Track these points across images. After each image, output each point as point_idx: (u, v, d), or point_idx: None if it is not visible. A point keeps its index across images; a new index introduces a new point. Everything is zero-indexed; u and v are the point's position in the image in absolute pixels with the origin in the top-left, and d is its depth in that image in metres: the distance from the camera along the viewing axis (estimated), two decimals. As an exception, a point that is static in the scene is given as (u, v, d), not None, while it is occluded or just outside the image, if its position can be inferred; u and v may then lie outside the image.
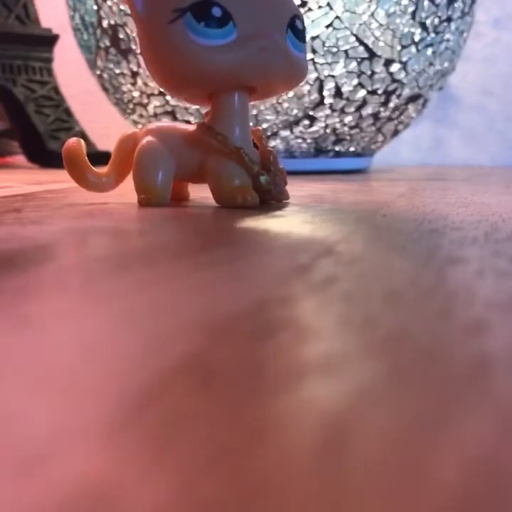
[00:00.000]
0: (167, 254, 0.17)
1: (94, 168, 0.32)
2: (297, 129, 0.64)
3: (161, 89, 0.62)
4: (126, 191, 0.33)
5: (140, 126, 0.68)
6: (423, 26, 0.61)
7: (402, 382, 0.08)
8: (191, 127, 0.30)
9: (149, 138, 0.30)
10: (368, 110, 0.64)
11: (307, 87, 0.60)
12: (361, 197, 0.37)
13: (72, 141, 0.31)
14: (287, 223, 0.24)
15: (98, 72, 0.68)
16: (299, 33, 0.29)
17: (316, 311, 0.11)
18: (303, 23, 0.30)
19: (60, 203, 0.32)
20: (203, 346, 0.09)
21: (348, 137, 0.66)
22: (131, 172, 0.31)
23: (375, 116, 0.65)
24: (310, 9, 0.58)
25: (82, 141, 0.31)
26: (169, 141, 0.30)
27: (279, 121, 0.63)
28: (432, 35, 0.62)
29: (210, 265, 0.16)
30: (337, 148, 0.67)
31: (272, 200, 0.30)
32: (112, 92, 0.68)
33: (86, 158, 0.31)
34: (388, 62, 0.61)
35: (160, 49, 0.28)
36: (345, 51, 0.60)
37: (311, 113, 0.62)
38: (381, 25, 0.60)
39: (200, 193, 0.35)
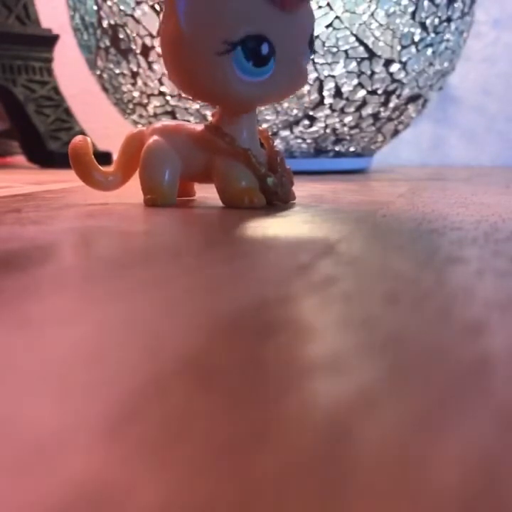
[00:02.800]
0: (167, 254, 0.17)
1: (100, 166, 0.32)
2: (297, 129, 0.64)
3: (161, 90, 0.62)
4: (127, 191, 0.33)
5: (140, 126, 0.68)
6: (423, 26, 0.61)
7: (402, 382, 0.08)
8: (198, 127, 0.30)
9: (156, 137, 0.30)
10: (367, 110, 0.64)
11: (307, 87, 0.60)
12: (361, 197, 0.37)
13: (79, 138, 0.31)
14: (288, 223, 0.24)
15: (98, 72, 0.68)
16: (311, 45, 0.30)
17: (316, 310, 0.11)
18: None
19: (60, 203, 0.32)
20: (204, 346, 0.09)
21: (348, 137, 0.66)
22: (137, 171, 0.31)
23: (375, 116, 0.65)
24: (310, 9, 0.57)
25: (89, 139, 0.31)
26: (176, 141, 0.30)
27: (279, 121, 0.63)
28: (432, 35, 0.62)
29: (210, 265, 0.16)
30: (337, 149, 0.67)
31: (278, 201, 0.30)
32: (111, 92, 0.68)
33: (92, 156, 0.31)
34: (388, 62, 0.61)
35: (197, 72, 0.27)
36: (345, 51, 0.60)
37: (311, 113, 0.62)
38: (381, 25, 0.60)
39: (205, 193, 0.35)
